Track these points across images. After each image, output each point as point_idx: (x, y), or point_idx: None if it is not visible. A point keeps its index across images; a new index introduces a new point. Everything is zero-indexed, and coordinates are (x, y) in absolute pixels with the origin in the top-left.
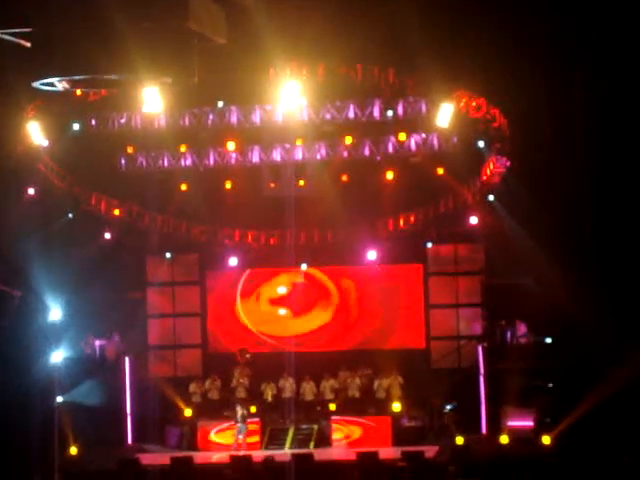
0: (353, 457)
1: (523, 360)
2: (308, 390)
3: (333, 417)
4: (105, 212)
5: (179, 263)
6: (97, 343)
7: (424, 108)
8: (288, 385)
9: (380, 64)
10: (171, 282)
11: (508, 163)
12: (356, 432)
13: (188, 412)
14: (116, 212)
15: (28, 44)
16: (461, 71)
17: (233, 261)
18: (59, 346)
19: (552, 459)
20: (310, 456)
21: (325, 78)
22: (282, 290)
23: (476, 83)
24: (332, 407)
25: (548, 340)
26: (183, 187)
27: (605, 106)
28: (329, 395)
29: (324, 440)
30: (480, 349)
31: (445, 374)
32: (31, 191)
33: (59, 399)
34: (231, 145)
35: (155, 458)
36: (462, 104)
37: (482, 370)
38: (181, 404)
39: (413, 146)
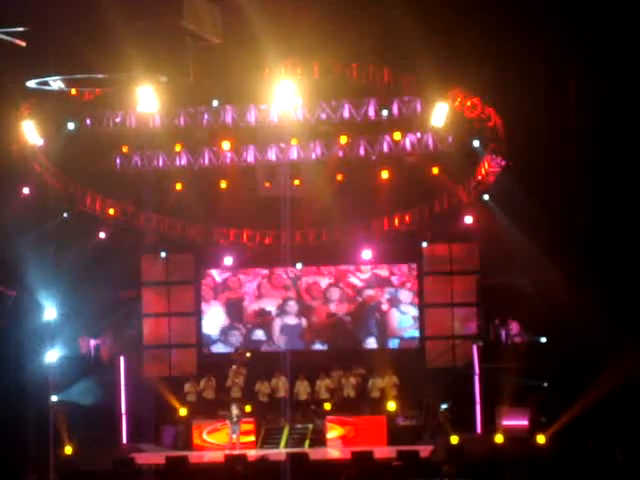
0: (348, 456)
1: (518, 360)
2: (302, 389)
3: (328, 416)
4: (100, 211)
5: (174, 262)
6: (92, 342)
7: (419, 107)
8: (281, 384)
9: (375, 63)
10: (166, 281)
11: (503, 162)
12: (351, 431)
13: (183, 411)
14: (111, 211)
15: (23, 43)
16: (456, 70)
17: (228, 260)
18: (54, 345)
19: (547, 458)
20: (305, 455)
21: (320, 77)
22: None
23: (471, 82)
24: (327, 406)
25: (543, 340)
26: (178, 186)
27: (600, 105)
28: (324, 394)
29: (319, 439)
30: (475, 348)
31: (440, 373)
32: (26, 190)
33: (54, 398)
34: (226, 144)
35: (150, 457)
36: (457, 103)
37: (477, 369)
38: (176, 403)
39: (408, 145)
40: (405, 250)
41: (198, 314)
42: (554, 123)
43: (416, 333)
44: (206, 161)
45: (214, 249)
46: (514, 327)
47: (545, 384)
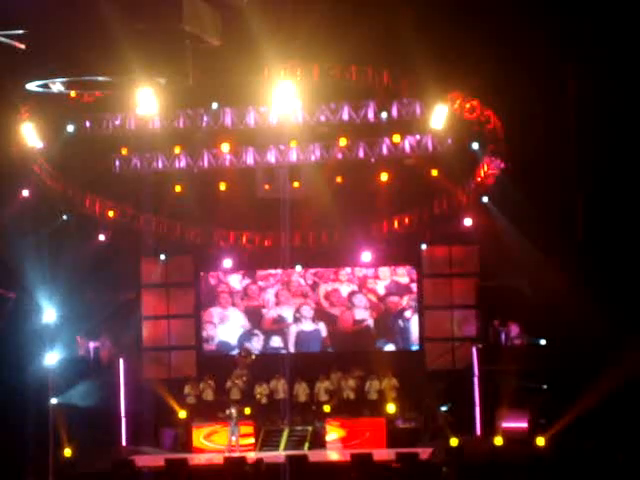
0: (347, 458)
1: (517, 362)
2: (301, 391)
3: (327, 418)
4: (99, 213)
5: (173, 264)
6: (91, 345)
7: (418, 110)
8: (280, 386)
9: (374, 65)
10: (165, 283)
11: (502, 164)
12: (350, 434)
13: (182, 414)
14: (110, 214)
15: (22, 46)
16: (455, 73)
17: (227, 263)
18: (53, 347)
19: (546, 460)
20: (304, 457)
21: (319, 80)
22: None
23: (470, 85)
24: (327, 409)
25: (542, 342)
26: (177, 189)
27: (599, 107)
28: (323, 396)
29: (318, 441)
30: (474, 351)
31: (439, 376)
32: (25, 192)
33: (53, 400)
34: (225, 147)
35: (149, 460)
36: (456, 106)
37: (476, 372)
38: (175, 406)
39: (407, 148)
40: (404, 252)
41: (197, 316)
42: (553, 125)
43: None
44: (205, 163)
45: (213, 251)
46: (514, 329)
47: (545, 386)
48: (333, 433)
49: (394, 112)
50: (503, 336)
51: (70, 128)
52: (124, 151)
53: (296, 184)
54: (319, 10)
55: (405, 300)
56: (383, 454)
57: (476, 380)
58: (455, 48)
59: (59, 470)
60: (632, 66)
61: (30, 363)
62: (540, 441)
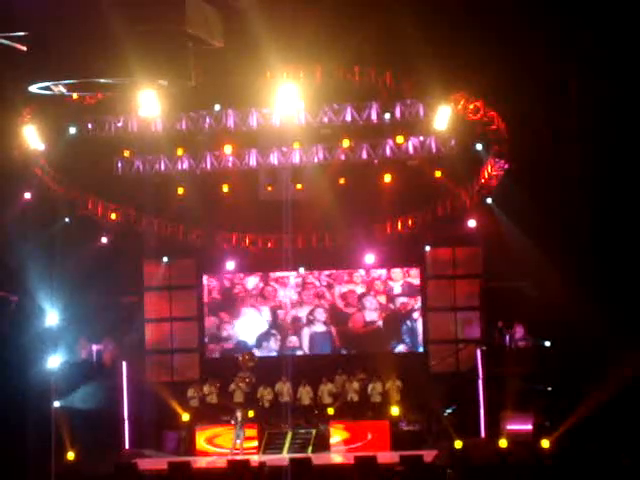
0: (351, 461)
1: (522, 364)
2: (305, 394)
3: (331, 421)
4: (102, 216)
5: (176, 267)
6: (94, 347)
7: (422, 111)
8: (286, 389)
9: (377, 67)
10: (168, 286)
11: (506, 166)
12: (354, 436)
13: (185, 417)
14: (113, 216)
15: (24, 48)
16: (458, 73)
17: (230, 265)
18: (56, 351)
19: (551, 463)
20: (308, 461)
21: (322, 81)
22: None
23: (473, 85)
24: (330, 411)
25: (547, 343)
26: (180, 191)
27: (603, 108)
28: (327, 399)
29: (322, 444)
30: (479, 353)
31: (444, 378)
32: (27, 195)
33: (56, 404)
34: (228, 149)
35: (152, 463)
36: (460, 107)
37: (481, 374)
38: (178, 409)
39: (411, 149)
40: (408, 254)
41: (200, 319)
42: (557, 126)
43: None
44: (208, 165)
45: (216, 253)
46: (518, 331)
47: (549, 388)
48: (337, 436)
49: (397, 113)
50: (507, 338)
51: (72, 130)
52: (126, 153)
53: (299, 186)
54: (321, 11)
55: (415, 301)
56: (387, 457)
57: (480, 382)
58: (458, 49)
59: (62, 473)
60: (635, 66)
61: (32, 366)
62: (545, 443)
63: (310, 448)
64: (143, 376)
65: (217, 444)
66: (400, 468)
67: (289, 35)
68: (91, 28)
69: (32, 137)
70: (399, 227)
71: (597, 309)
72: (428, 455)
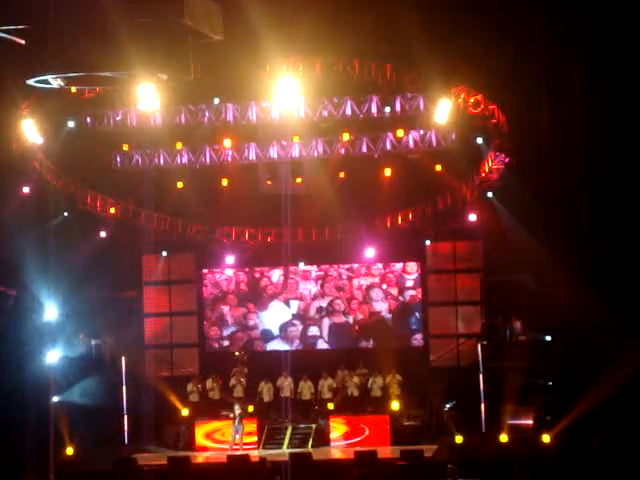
0: (351, 456)
1: (523, 358)
2: (306, 389)
3: (331, 416)
4: (101, 210)
5: (175, 261)
6: (93, 342)
7: (422, 104)
8: (287, 384)
9: (377, 60)
10: (167, 281)
11: (507, 159)
12: (355, 431)
13: (185, 412)
14: (112, 210)
15: (23, 41)
16: (459, 67)
17: (230, 259)
18: (55, 345)
19: (552, 458)
20: (308, 455)
21: (322, 74)
22: None
23: (474, 79)
24: (330, 406)
25: (547, 338)
26: (179, 185)
27: (604, 102)
28: (327, 394)
29: (322, 439)
30: (479, 347)
31: (444, 372)
32: (26, 189)
33: (55, 399)
34: (227, 142)
35: (152, 458)
36: (460, 100)
37: (481, 368)
38: (178, 403)
39: (411, 143)
40: (408, 248)
41: (200, 313)
42: (558, 119)
43: None
44: (207, 159)
45: (215, 248)
46: (518, 325)
47: (550, 383)
48: (337, 431)
49: (397, 107)
50: (508, 332)
51: (71, 124)
52: (125, 147)
53: (299, 180)
54: (321, 4)
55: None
56: (387, 451)
57: (481, 377)
58: (459, 42)
59: (61, 468)
60: (637, 62)
61: (31, 361)
62: (545, 438)
63: (310, 443)
64: (142, 371)
65: (217, 439)
66: (400, 463)
67: (289, 28)
68: (90, 21)
69: (31, 131)
70: (399, 221)
71: (598, 304)
72: (428, 450)
